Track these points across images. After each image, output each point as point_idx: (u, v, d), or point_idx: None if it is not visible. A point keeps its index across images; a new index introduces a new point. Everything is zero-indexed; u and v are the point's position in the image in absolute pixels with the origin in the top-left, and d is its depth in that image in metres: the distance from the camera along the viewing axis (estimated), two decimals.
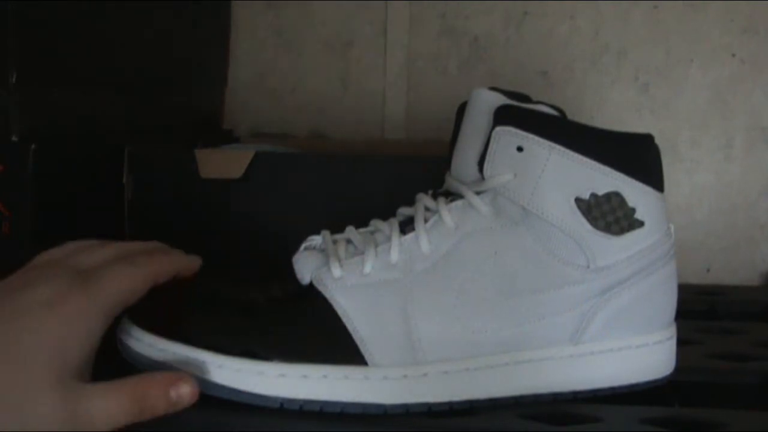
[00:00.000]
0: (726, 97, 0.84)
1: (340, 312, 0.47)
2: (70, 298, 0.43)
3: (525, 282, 0.48)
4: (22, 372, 0.40)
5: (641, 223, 0.49)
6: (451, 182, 0.50)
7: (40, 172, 0.58)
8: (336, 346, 0.46)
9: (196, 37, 0.84)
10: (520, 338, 0.48)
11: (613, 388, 0.49)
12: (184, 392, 0.44)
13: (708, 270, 0.85)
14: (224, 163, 0.64)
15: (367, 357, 0.46)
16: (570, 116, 0.50)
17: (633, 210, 0.48)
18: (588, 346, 0.49)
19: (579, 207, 0.48)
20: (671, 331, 0.51)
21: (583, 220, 0.48)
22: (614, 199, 0.48)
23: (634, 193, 0.48)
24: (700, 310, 0.71)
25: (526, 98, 0.51)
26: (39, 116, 0.59)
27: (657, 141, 0.50)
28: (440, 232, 0.48)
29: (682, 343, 0.52)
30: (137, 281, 0.46)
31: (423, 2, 0.88)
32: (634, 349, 0.49)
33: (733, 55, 0.84)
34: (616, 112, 0.86)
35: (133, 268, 0.46)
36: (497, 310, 0.48)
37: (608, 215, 0.48)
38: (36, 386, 0.40)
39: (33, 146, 0.57)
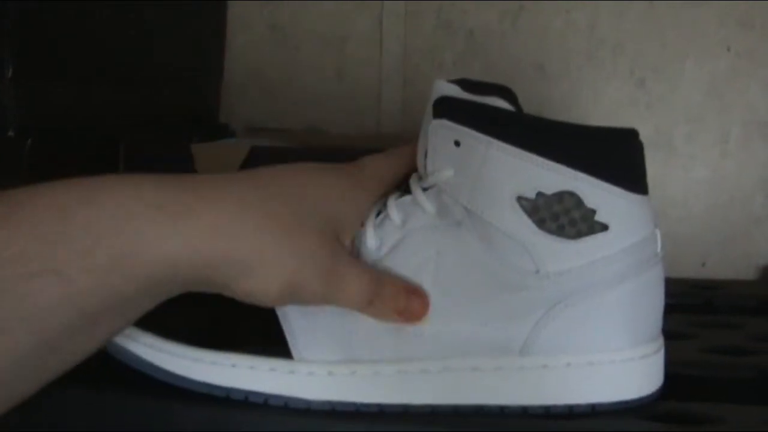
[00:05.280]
0: (722, 91, 0.84)
1: None
2: (344, 174, 0.47)
3: (467, 285, 0.45)
4: (298, 216, 0.43)
5: (604, 227, 0.44)
6: (411, 177, 0.49)
7: (36, 168, 0.58)
8: (267, 337, 0.45)
9: (192, 32, 0.83)
10: (459, 344, 0.45)
11: (569, 406, 0.45)
12: (414, 305, 0.45)
13: (704, 264, 0.85)
14: (220, 158, 0.64)
15: (294, 351, 0.45)
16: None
17: (592, 212, 0.44)
18: (540, 358, 0.45)
19: (522, 207, 0.44)
20: (650, 348, 0.47)
21: (528, 221, 0.44)
22: (567, 199, 0.44)
23: (596, 193, 0.44)
24: (695, 304, 0.71)
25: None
26: (35, 111, 0.59)
27: (653, 136, 0.49)
28: (387, 228, 0.47)
29: (677, 336, 0.52)
30: (402, 163, 0.49)
31: None
32: (596, 365, 0.45)
33: (729, 50, 0.84)
34: (611, 107, 0.86)
35: (395, 154, 0.50)
36: (436, 312, 0.45)
37: (560, 217, 0.44)
38: (310, 233, 0.43)
39: (29, 141, 0.57)
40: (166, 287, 0.41)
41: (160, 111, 0.77)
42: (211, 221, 0.40)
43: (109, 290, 0.38)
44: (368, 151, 0.65)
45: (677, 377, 0.51)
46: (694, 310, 0.69)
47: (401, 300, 0.44)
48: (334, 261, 0.43)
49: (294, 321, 0.46)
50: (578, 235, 0.44)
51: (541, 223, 0.44)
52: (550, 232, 0.44)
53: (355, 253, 0.47)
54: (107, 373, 0.46)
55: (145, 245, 0.39)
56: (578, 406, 0.45)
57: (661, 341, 0.48)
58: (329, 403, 0.45)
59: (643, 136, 0.47)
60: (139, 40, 0.73)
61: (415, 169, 0.49)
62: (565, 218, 0.44)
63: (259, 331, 0.46)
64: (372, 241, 0.46)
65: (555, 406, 0.45)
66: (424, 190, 0.47)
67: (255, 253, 0.41)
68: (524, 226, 0.44)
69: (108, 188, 0.40)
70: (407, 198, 0.47)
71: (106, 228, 0.38)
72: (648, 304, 0.47)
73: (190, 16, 0.83)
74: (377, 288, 0.44)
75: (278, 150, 0.65)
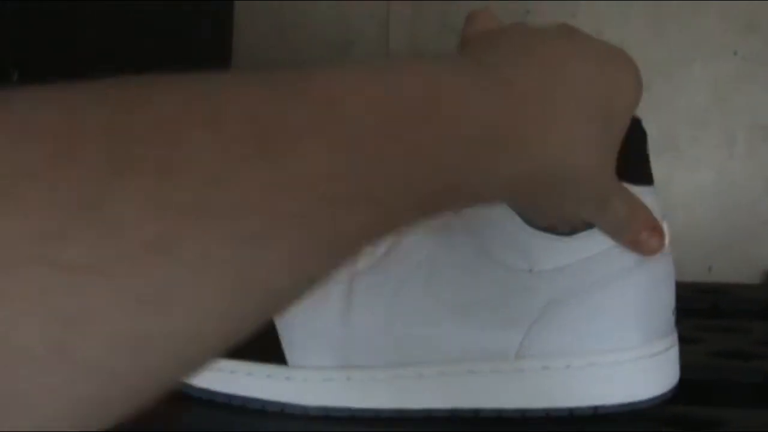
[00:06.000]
0: (728, 95, 0.84)
1: None
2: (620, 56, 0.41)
3: (460, 287, 0.44)
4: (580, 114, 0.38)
5: None
6: None
7: None
8: (266, 343, 0.45)
9: (198, 35, 0.83)
10: (454, 348, 0.44)
11: (570, 409, 0.44)
12: (654, 243, 0.42)
13: (710, 268, 0.85)
14: None
15: (289, 358, 0.45)
16: None
17: None
18: (538, 360, 0.44)
19: None
20: (661, 345, 0.46)
21: (518, 218, 0.43)
22: None
23: None
24: (701, 308, 0.71)
25: None
26: None
27: (659, 139, 0.48)
28: None
29: (683, 341, 0.52)
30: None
31: (424, 1, 0.88)
32: (597, 366, 0.44)
33: (735, 53, 0.83)
34: None
35: None
36: (430, 315, 0.44)
37: None
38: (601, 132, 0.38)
39: None
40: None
41: None
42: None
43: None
44: None
45: (683, 381, 0.51)
46: (701, 315, 0.69)
47: (644, 235, 0.41)
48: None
49: (289, 327, 0.45)
50: (573, 231, 0.43)
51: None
52: (543, 229, 0.43)
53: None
54: None
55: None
56: (579, 408, 0.44)
57: (672, 338, 0.46)
58: (325, 408, 0.45)
59: (649, 139, 0.47)
60: (146, 43, 0.73)
61: None
62: None
63: (256, 338, 0.46)
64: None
65: (555, 409, 0.44)
66: None
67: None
68: (515, 222, 0.43)
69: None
70: None
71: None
72: (655, 301, 0.45)
73: (196, 16, 0.83)
74: (630, 220, 0.41)
75: None
